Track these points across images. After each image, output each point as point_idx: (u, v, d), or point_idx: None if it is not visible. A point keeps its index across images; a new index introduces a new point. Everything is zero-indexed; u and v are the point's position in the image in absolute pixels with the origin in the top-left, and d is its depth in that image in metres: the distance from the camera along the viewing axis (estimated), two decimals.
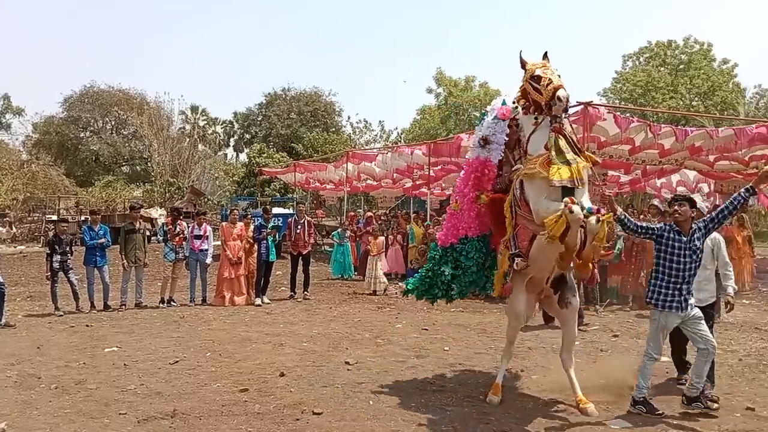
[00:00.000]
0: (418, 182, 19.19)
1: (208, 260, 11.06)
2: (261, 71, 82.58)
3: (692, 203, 5.06)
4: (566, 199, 4.48)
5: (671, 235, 4.91)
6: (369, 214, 17.31)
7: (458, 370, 6.57)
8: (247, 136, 50.16)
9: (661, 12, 66.99)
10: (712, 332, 5.21)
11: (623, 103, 31.82)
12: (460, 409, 5.29)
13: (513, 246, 5.10)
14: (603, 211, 4.65)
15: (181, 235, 10.70)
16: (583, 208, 4.44)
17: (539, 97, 4.85)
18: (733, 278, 5.60)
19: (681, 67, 34.16)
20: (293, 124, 44.48)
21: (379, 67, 74.79)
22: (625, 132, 11.15)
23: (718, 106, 31.32)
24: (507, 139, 5.42)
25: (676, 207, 4.98)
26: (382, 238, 13.79)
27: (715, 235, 5.38)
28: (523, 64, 5.09)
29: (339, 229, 16.20)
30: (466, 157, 5.60)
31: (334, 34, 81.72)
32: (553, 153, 4.73)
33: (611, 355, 7.30)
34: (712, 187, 15.97)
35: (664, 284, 4.99)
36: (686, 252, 4.91)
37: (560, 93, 4.68)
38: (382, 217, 19.58)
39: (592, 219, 4.43)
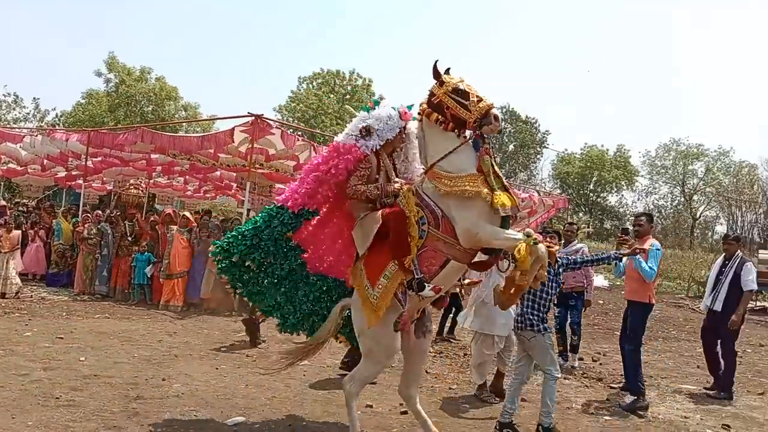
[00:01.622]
0: (73, 173, 17.27)
1: None
2: None
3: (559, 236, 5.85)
4: (528, 230, 4.25)
5: None
6: (2, 203, 14.83)
7: (93, 383, 6.00)
8: None
9: (332, 41, 73.04)
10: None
11: (296, 122, 33.79)
12: (87, 424, 4.82)
13: (416, 270, 4.43)
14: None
15: None
16: (536, 240, 4.10)
17: (466, 114, 4.37)
18: None
19: (347, 96, 37.85)
20: None
21: (41, 39, 65.13)
22: (291, 149, 11.81)
23: None
24: (389, 140, 4.83)
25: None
26: (17, 233, 11.92)
27: None
28: (438, 76, 4.56)
29: None
30: (337, 140, 4.89)
31: None
32: (492, 178, 4.34)
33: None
34: None
35: (537, 312, 5.33)
36: (552, 277, 5.32)
37: (495, 113, 4.36)
38: (20, 208, 16.91)
39: (543, 248, 4.10)
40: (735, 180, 45.01)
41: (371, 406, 5.81)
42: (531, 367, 5.49)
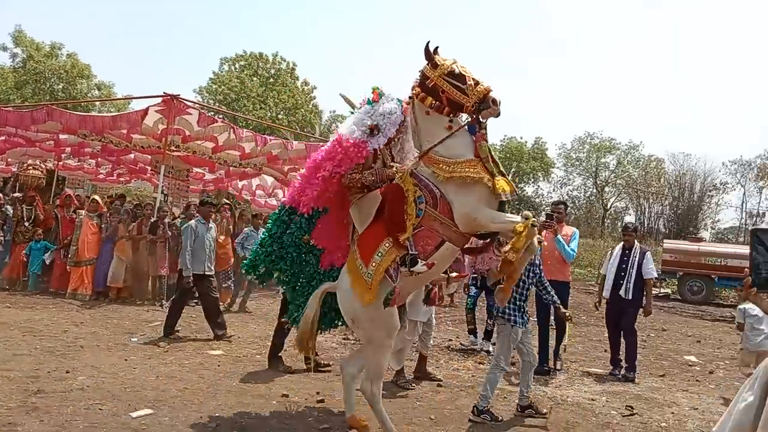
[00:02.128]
0: None
1: None
2: None
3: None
4: (527, 213, 4.18)
5: None
6: None
7: None
8: None
9: (255, 23, 71.32)
10: None
11: (218, 104, 32.82)
12: None
13: (410, 247, 4.35)
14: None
15: None
16: (534, 222, 4.11)
17: (463, 98, 4.27)
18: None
19: (270, 80, 37.09)
20: None
21: None
22: (206, 129, 11.42)
23: (299, 122, 35.04)
24: (390, 136, 4.69)
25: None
26: None
27: None
28: (431, 58, 4.39)
29: None
30: (342, 133, 4.62)
31: None
32: (491, 163, 4.28)
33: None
34: (286, 193, 17.58)
35: (513, 303, 5.42)
36: (527, 272, 5.52)
37: (494, 96, 4.23)
38: None
39: (536, 232, 4.14)
40: (644, 173, 47.65)
41: (287, 396, 5.73)
42: (509, 356, 5.66)
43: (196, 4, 71.07)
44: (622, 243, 7.88)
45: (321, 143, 14.37)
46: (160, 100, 10.85)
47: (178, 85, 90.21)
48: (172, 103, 10.40)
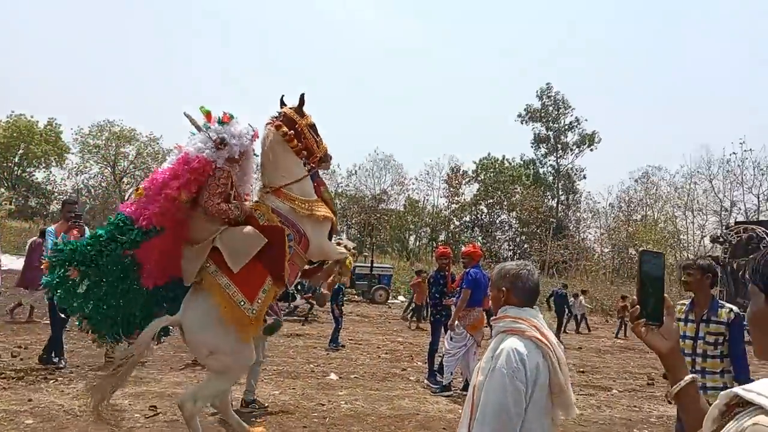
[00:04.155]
0: None
1: None
2: None
3: None
4: (347, 243, 5.80)
5: None
6: None
7: None
8: None
9: None
10: None
11: None
12: None
13: (288, 284, 5.08)
14: None
15: None
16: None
17: (316, 150, 5.22)
18: None
19: None
20: None
21: None
22: None
23: None
24: (235, 157, 4.89)
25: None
26: None
27: None
28: (302, 107, 5.21)
29: None
30: (188, 151, 4.66)
31: None
32: (331, 204, 5.40)
33: None
34: None
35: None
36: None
37: (330, 154, 5.45)
38: None
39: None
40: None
41: (155, 407, 5.81)
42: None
43: None
44: None
45: None
46: None
47: None
48: None
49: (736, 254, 20.65)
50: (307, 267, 5.58)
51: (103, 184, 48.70)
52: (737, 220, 33.88)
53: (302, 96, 5.16)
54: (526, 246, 50.22)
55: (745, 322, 3.98)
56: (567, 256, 44.72)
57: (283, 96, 5.25)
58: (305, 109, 5.21)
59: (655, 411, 7.81)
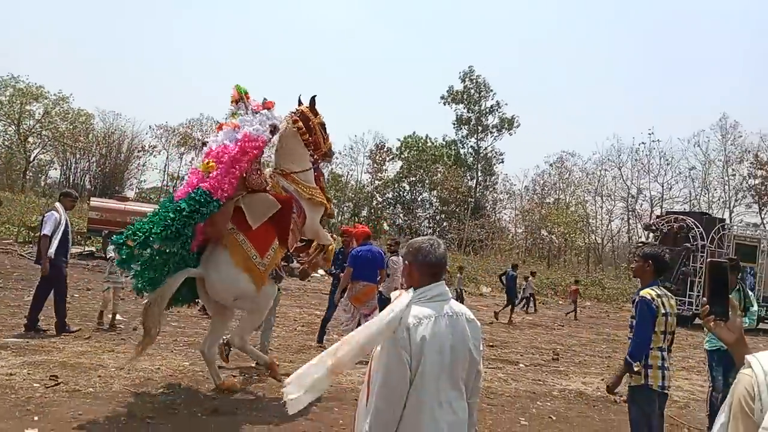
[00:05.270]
0: None
1: None
2: None
3: None
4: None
5: None
6: None
7: None
8: None
9: None
10: None
11: None
12: None
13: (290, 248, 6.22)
14: None
15: None
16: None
17: (323, 144, 6.41)
18: None
19: None
20: None
21: None
22: None
23: None
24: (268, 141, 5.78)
25: None
26: None
27: None
28: (314, 105, 6.38)
29: None
30: (247, 131, 5.52)
31: None
32: (326, 192, 6.43)
33: None
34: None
35: None
36: None
37: (333, 150, 6.89)
38: None
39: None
40: (72, 127, 45.70)
41: (56, 377, 5.80)
42: None
43: None
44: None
45: None
46: None
47: None
48: None
49: (665, 242, 21.83)
50: (297, 244, 6.52)
51: (6, 143, 45.50)
52: (668, 210, 35.55)
53: (313, 97, 6.35)
54: (445, 224, 51.27)
55: (638, 302, 4.30)
56: (483, 235, 46.05)
57: (300, 95, 6.41)
58: (317, 108, 6.40)
59: (558, 385, 8.22)
